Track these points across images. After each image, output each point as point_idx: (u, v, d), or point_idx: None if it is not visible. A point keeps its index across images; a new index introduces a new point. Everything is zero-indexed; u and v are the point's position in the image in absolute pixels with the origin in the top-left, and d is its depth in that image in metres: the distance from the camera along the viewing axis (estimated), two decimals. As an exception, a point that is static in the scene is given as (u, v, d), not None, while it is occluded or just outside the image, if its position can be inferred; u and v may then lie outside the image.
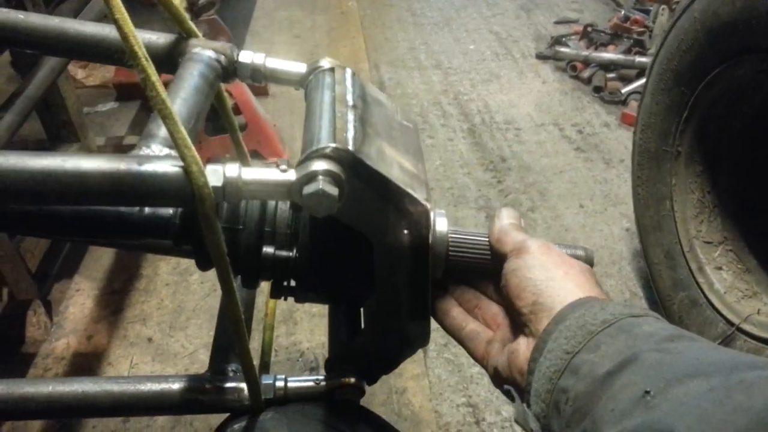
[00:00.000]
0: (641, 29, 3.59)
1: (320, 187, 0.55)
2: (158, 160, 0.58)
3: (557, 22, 4.18)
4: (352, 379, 0.73)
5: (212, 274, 0.66)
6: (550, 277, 0.59)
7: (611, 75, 3.44)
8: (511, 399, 0.60)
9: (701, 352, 0.48)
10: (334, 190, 0.56)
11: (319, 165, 0.56)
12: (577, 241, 2.40)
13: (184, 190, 0.56)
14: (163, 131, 0.64)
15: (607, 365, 0.49)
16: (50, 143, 2.36)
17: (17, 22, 0.81)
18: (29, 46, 0.84)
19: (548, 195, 2.68)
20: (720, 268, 1.85)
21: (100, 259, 2.31)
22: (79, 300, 2.14)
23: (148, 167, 0.56)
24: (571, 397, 0.51)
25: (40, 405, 0.79)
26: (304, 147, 0.60)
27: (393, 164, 0.63)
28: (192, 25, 0.81)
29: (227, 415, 0.77)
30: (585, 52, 3.52)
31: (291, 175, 0.58)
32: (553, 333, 0.55)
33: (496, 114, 3.24)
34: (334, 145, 0.57)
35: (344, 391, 0.73)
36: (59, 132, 2.35)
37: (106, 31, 0.81)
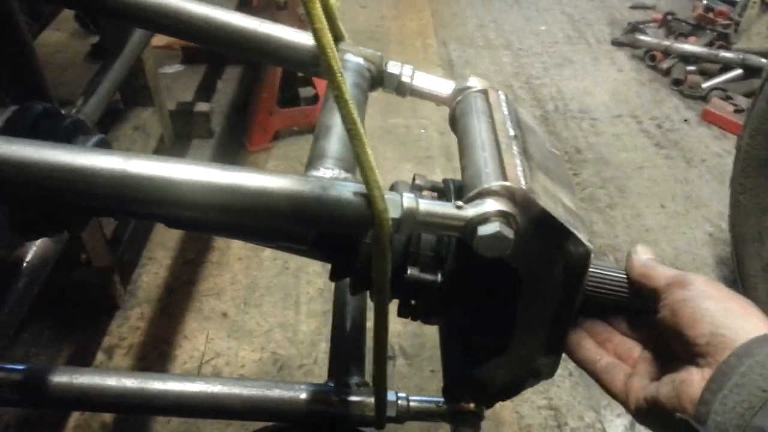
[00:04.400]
0: (726, 22, 3.42)
1: (498, 229, 0.55)
2: (341, 185, 0.57)
3: (632, 7, 4.01)
4: (471, 405, 0.77)
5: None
6: (727, 309, 0.59)
7: (691, 68, 3.29)
8: (680, 428, 0.58)
9: None
10: (510, 233, 0.55)
11: (492, 205, 0.56)
12: (659, 243, 2.31)
13: (363, 216, 0.56)
14: (334, 150, 0.65)
15: None
16: (125, 106, 2.32)
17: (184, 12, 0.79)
18: (208, 42, 0.82)
19: (627, 192, 2.57)
20: (823, 287, 1.76)
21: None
22: (152, 269, 2.12)
23: (333, 193, 0.56)
24: None
25: (170, 403, 0.83)
26: (469, 180, 0.60)
27: (557, 201, 0.62)
28: (342, 28, 0.77)
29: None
30: (666, 42, 3.36)
31: (467, 212, 0.57)
32: (739, 367, 0.54)
33: (570, 101, 3.12)
34: (507, 184, 0.57)
35: (465, 416, 0.77)
36: (135, 96, 2.31)
37: (284, 33, 0.79)
